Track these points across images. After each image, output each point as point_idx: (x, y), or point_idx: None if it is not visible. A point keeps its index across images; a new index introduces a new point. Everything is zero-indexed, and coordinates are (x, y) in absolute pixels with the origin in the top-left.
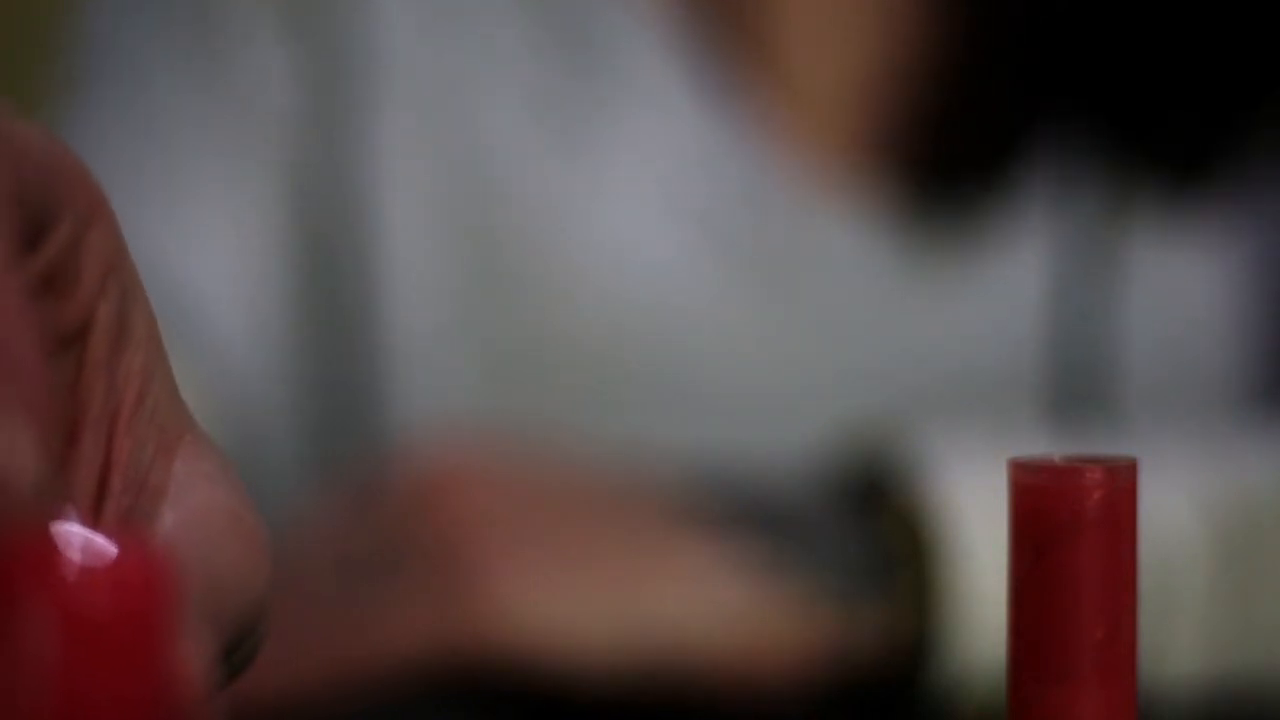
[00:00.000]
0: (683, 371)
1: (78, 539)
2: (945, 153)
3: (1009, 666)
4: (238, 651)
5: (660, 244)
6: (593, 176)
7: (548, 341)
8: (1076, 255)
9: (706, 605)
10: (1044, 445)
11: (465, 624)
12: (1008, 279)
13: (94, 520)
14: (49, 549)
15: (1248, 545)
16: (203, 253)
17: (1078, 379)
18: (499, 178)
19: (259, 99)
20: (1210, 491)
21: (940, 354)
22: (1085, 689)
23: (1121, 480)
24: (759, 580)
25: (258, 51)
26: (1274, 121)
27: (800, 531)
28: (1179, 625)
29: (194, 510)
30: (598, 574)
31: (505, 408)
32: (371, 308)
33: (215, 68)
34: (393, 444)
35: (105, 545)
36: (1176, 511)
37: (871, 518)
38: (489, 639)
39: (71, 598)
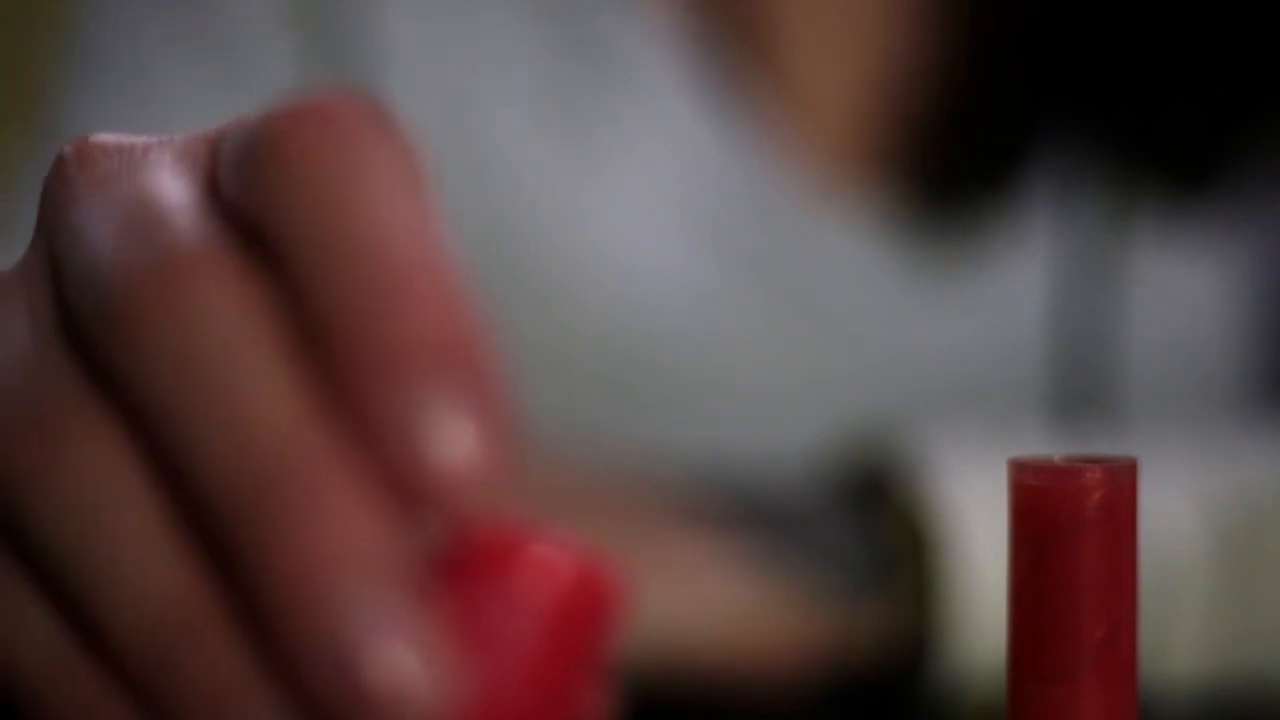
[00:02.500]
0: (686, 372)
1: (541, 535)
2: (949, 160)
3: (1009, 666)
4: None
5: (665, 248)
6: (598, 180)
7: (551, 343)
8: (1078, 259)
9: (707, 603)
10: (1044, 446)
11: None
12: (1010, 283)
13: None
14: (524, 545)
15: (1248, 545)
16: None
17: (1079, 381)
18: (503, 180)
19: (264, 92)
20: (1210, 491)
21: (942, 357)
22: (1085, 689)
23: (1121, 480)
24: (760, 579)
25: (262, 42)
26: (1274, 128)
27: (801, 530)
28: (1179, 625)
29: None
30: None
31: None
32: None
33: (218, 57)
34: None
35: (564, 543)
36: (1176, 511)
37: (872, 517)
38: None
39: (553, 591)
